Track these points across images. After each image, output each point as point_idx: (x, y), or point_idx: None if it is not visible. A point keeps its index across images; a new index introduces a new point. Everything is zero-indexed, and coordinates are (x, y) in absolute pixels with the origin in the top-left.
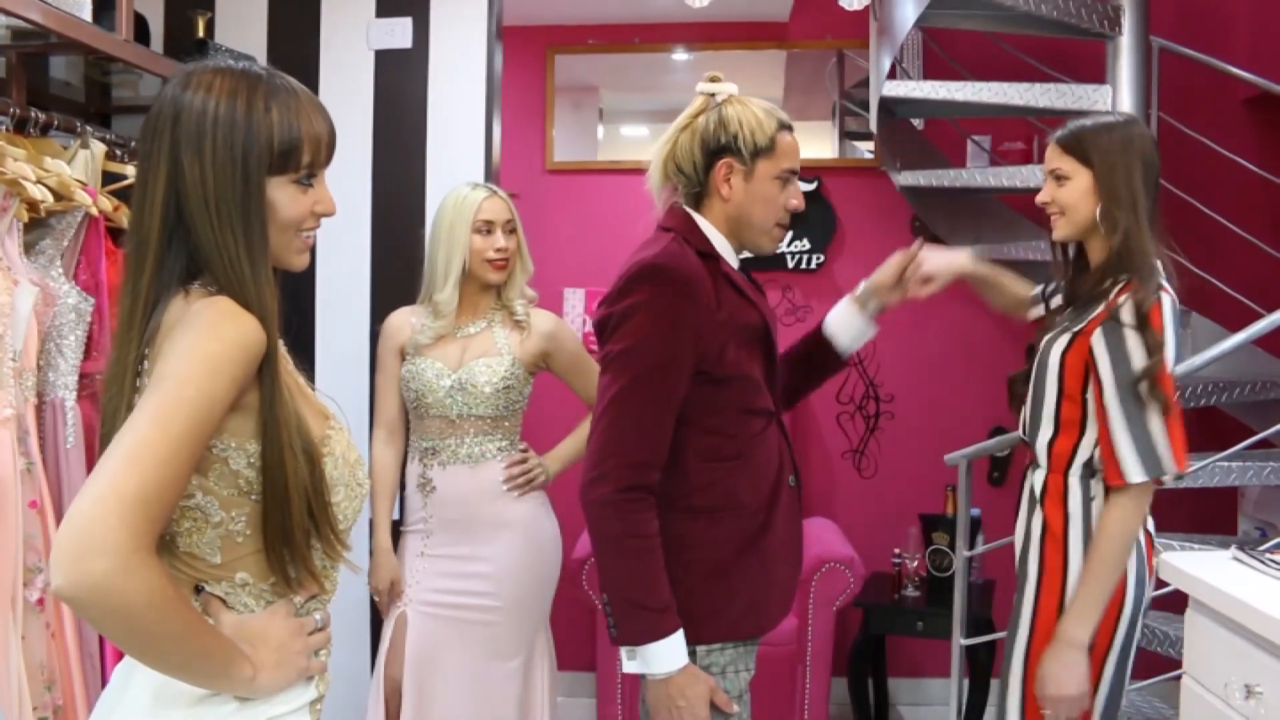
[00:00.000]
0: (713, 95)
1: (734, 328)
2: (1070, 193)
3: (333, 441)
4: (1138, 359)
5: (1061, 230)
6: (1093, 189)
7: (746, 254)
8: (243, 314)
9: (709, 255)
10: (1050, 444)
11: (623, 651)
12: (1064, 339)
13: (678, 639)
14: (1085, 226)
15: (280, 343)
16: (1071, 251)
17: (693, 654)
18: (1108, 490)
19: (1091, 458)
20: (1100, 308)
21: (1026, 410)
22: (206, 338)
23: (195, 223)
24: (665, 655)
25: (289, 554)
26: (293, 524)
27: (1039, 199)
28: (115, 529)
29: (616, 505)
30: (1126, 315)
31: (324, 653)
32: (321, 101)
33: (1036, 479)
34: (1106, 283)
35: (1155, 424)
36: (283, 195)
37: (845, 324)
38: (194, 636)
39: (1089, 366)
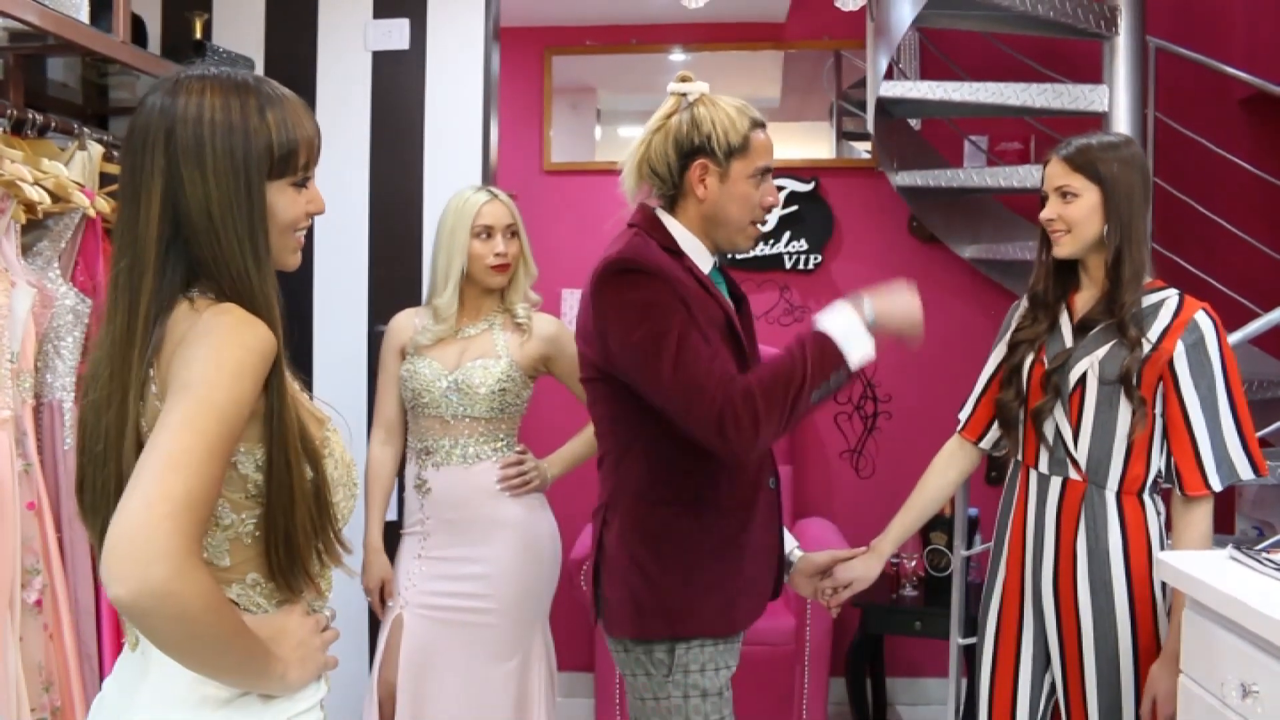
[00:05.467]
0: (684, 95)
1: (701, 320)
2: (1078, 209)
3: (331, 444)
4: (1218, 372)
5: (1067, 247)
6: (1100, 206)
7: (739, 255)
8: (256, 320)
9: (673, 251)
10: (1125, 467)
11: (853, 355)
12: (1122, 359)
13: (853, 324)
14: (1091, 243)
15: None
16: (1050, 266)
17: (670, 652)
18: (1178, 500)
19: (1158, 474)
20: (1166, 324)
21: (1069, 431)
22: (230, 344)
23: (198, 234)
24: (857, 340)
25: (288, 557)
26: (295, 528)
27: (1044, 216)
28: (170, 534)
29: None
30: (1207, 329)
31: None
32: (311, 103)
33: (1104, 499)
34: (1145, 300)
35: (1232, 432)
36: (282, 199)
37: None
38: (241, 636)
39: (1163, 381)
